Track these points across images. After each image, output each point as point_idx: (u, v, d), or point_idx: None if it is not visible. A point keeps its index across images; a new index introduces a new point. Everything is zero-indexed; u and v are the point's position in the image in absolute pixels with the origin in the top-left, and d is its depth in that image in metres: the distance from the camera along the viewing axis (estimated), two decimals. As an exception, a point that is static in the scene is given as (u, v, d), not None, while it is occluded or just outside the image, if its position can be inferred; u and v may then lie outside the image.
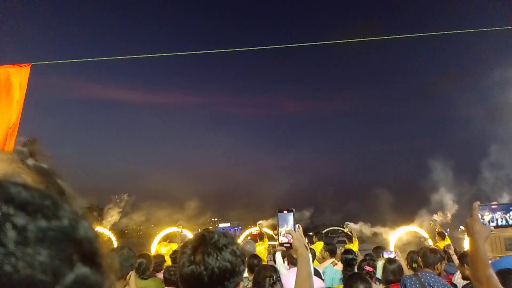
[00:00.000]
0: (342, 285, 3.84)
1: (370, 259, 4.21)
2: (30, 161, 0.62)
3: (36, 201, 0.34)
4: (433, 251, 3.65)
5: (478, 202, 1.70)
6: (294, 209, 1.63)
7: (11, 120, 4.07)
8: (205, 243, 1.13)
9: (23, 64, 4.23)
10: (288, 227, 1.64)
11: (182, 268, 1.12)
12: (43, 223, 0.32)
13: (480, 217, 1.67)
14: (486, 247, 1.58)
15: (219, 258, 1.10)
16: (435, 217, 9.24)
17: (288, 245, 1.61)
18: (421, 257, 3.57)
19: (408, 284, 3.19)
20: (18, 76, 4.13)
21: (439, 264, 3.52)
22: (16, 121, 4.11)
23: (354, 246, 7.88)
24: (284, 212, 1.65)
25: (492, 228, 1.77)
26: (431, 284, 3.15)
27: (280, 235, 1.65)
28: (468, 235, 1.62)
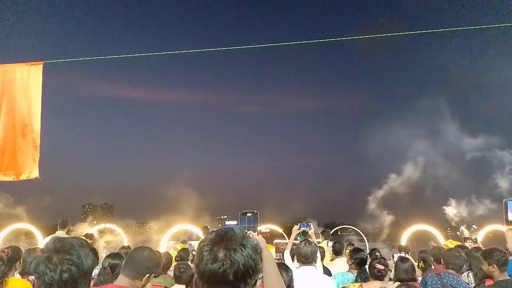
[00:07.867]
0: (356, 283, 3.79)
1: (381, 257, 4.13)
2: None
3: None
4: (458, 252, 3.58)
5: None
6: (258, 212, 1.59)
7: (28, 117, 4.13)
8: (228, 239, 1.10)
9: (35, 63, 4.27)
10: (251, 228, 1.58)
11: (205, 265, 1.06)
12: None
13: None
14: None
15: (243, 254, 1.06)
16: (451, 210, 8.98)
17: None
18: (443, 258, 3.53)
19: (429, 282, 3.16)
20: (33, 74, 4.17)
21: (464, 266, 3.49)
22: (36, 120, 4.17)
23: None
24: (248, 214, 1.60)
25: None
26: (453, 285, 3.12)
27: None
28: None
